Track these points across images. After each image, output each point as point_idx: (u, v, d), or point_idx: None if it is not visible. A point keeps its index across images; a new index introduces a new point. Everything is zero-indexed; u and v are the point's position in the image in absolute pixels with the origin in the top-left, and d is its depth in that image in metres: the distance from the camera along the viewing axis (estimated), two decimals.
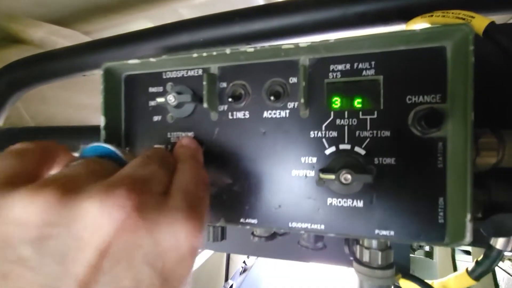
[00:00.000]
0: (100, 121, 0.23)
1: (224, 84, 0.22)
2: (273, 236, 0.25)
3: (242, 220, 0.21)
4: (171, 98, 0.21)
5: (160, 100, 0.21)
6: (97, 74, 0.65)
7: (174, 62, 0.22)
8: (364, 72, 0.19)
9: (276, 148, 0.20)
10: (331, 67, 0.19)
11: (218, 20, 0.27)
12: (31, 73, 0.45)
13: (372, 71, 0.19)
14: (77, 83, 0.61)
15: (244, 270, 2.11)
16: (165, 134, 0.23)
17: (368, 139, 0.19)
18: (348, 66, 0.19)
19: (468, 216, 0.16)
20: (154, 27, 0.36)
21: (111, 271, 0.12)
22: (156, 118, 0.23)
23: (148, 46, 0.31)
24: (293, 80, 0.20)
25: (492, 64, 0.21)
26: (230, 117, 0.22)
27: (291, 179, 0.20)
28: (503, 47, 0.18)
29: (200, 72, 0.22)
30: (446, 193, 0.17)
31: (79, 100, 0.63)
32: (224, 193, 0.22)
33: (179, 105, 0.21)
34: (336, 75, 0.19)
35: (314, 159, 0.20)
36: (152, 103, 0.23)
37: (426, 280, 0.25)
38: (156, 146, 0.21)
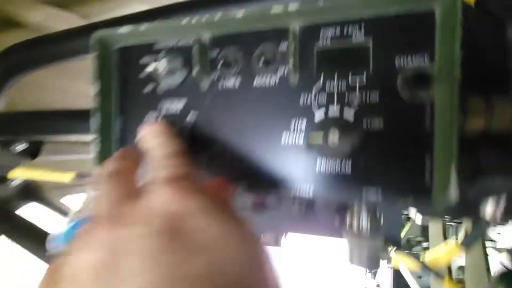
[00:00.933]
0: (91, 90, 0.23)
1: (215, 52, 0.22)
2: (259, 208, 0.25)
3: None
4: (161, 66, 0.21)
5: (151, 67, 0.21)
6: None
7: (164, 30, 0.22)
8: (353, 37, 0.19)
9: (266, 115, 0.20)
10: (321, 32, 0.19)
11: (214, 1, 0.27)
12: (30, 56, 0.45)
13: (361, 36, 0.19)
14: (76, 70, 0.61)
15: None
16: (156, 105, 0.23)
17: (357, 103, 0.19)
18: (338, 31, 0.19)
19: (453, 173, 0.16)
20: (151, 9, 0.36)
21: None
22: (147, 89, 0.23)
23: None
24: (283, 46, 0.20)
25: (481, 35, 0.21)
26: (220, 85, 0.22)
27: (281, 145, 0.20)
28: (493, 14, 0.18)
29: (191, 41, 0.22)
30: (433, 154, 0.17)
31: (77, 88, 0.64)
32: (215, 160, 0.22)
33: (169, 73, 0.21)
34: (326, 41, 0.19)
35: (304, 124, 0.20)
36: (143, 74, 0.23)
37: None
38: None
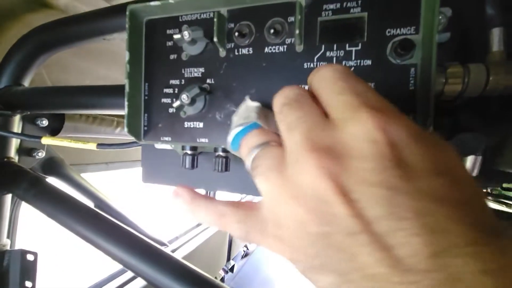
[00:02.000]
0: (125, 56, 0.27)
1: (232, 25, 0.25)
2: None
3: None
4: (186, 34, 0.24)
5: (177, 36, 0.25)
6: (116, 44, 0.69)
7: (190, 5, 0.25)
8: (351, 10, 0.22)
9: (275, 79, 0.24)
10: (324, 6, 0.23)
11: None
12: (57, 36, 0.50)
13: (358, 9, 0.22)
14: (98, 54, 0.65)
15: (246, 255, 2.17)
16: (180, 70, 0.27)
17: (352, 68, 0.22)
18: (338, 5, 0.22)
19: (430, 127, 0.19)
20: None
21: None
22: (172, 56, 0.27)
23: None
24: (291, 19, 0.23)
25: (464, 11, 0.24)
26: (236, 53, 0.25)
27: None
28: None
29: (212, 14, 0.25)
30: (416, 110, 0.21)
31: (98, 71, 0.68)
32: (229, 119, 0.25)
33: (192, 41, 0.25)
34: (328, 14, 0.23)
35: (307, 87, 0.23)
36: (169, 43, 0.27)
37: None
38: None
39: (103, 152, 0.81)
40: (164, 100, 0.27)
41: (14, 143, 0.56)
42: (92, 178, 0.81)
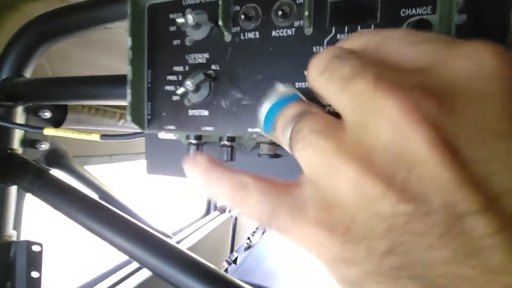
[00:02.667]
0: (128, 42, 0.26)
1: (238, 8, 0.24)
2: (278, 155, 0.28)
3: (249, 129, 0.24)
4: (190, 18, 0.23)
5: (180, 20, 0.24)
6: (117, 33, 0.68)
7: None
8: None
9: (282, 64, 0.23)
10: None
11: None
12: (57, 26, 0.49)
13: None
14: (99, 44, 0.65)
15: (249, 247, 2.19)
16: (184, 56, 0.26)
17: None
18: None
19: None
20: None
21: None
22: (175, 42, 0.26)
23: None
24: (300, 0, 0.22)
25: None
26: (242, 37, 0.24)
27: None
28: None
29: None
30: None
31: (100, 62, 0.67)
32: (235, 107, 0.24)
33: (196, 26, 0.24)
34: None
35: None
36: (172, 28, 0.26)
37: None
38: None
39: (106, 144, 0.81)
40: (168, 88, 0.27)
41: (18, 134, 0.56)
42: (96, 171, 0.81)
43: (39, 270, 0.58)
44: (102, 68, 0.69)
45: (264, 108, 0.16)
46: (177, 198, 1.83)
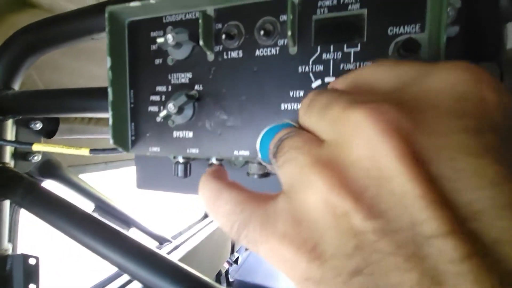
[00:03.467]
0: (107, 62, 0.25)
1: (220, 25, 0.23)
2: (267, 174, 0.27)
3: (235, 152, 0.23)
4: (170, 38, 0.22)
5: (160, 40, 0.23)
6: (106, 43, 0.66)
7: (173, 5, 0.23)
8: (350, 7, 0.20)
9: (267, 84, 0.22)
10: (319, 3, 0.20)
11: None
12: (43, 37, 0.47)
13: (357, 5, 0.20)
14: (90, 53, 0.63)
15: None
16: (166, 76, 0.25)
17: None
18: (335, 1, 0.20)
19: None
20: None
21: None
22: (157, 61, 0.25)
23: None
24: (283, 18, 0.21)
25: (476, 6, 0.22)
26: (225, 56, 0.23)
27: (280, 113, 0.22)
28: None
29: (197, 14, 0.23)
30: None
31: (91, 71, 0.66)
32: (220, 128, 0.24)
33: (177, 45, 0.23)
34: (323, 11, 0.20)
35: (302, 93, 0.21)
36: (153, 46, 0.25)
37: None
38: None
39: None
40: (151, 108, 0.26)
41: (9, 148, 0.55)
42: (94, 177, 0.80)
43: (37, 283, 0.58)
44: (94, 76, 0.68)
45: (258, 140, 0.17)
46: (177, 199, 1.82)
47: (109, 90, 0.25)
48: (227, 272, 1.57)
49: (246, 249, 2.00)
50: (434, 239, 0.08)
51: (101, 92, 0.44)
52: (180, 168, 0.28)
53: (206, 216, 1.39)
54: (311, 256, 0.10)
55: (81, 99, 0.46)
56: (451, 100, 0.09)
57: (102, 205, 0.80)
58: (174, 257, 1.02)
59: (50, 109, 0.49)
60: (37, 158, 0.60)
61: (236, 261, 1.64)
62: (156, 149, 0.26)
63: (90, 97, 0.45)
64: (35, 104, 0.49)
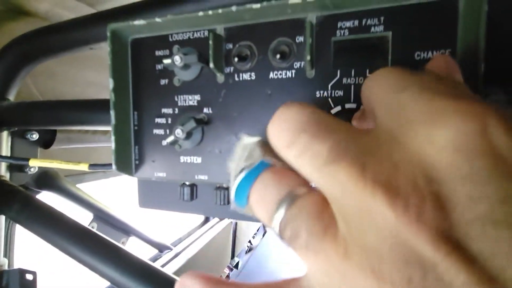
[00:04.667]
0: (109, 84, 0.23)
1: (230, 45, 0.21)
2: None
3: None
4: (178, 59, 0.21)
5: (167, 61, 0.21)
6: (104, 49, 0.65)
7: (180, 23, 0.22)
8: (372, 29, 0.18)
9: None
10: (339, 24, 0.19)
11: None
12: (39, 46, 0.46)
13: (381, 28, 0.18)
14: (85, 60, 0.61)
15: (250, 250, 2.18)
16: (173, 98, 0.23)
17: None
18: (356, 22, 0.19)
19: None
20: None
21: None
22: (163, 81, 0.24)
23: (152, 16, 0.31)
24: (300, 39, 0.20)
25: (506, 22, 0.20)
26: (236, 79, 0.22)
27: None
28: None
29: (206, 33, 0.22)
30: None
31: (87, 77, 0.64)
32: (230, 154, 0.22)
33: (185, 67, 0.21)
34: (343, 33, 0.19)
35: None
36: (159, 66, 0.23)
37: None
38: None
39: (99, 161, 0.78)
40: (157, 131, 0.24)
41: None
42: (92, 185, 0.78)
43: None
44: (91, 84, 0.66)
45: (232, 190, 0.14)
46: None
47: (112, 113, 0.23)
48: (227, 277, 1.55)
49: (247, 252, 1.99)
50: None
51: (99, 105, 0.42)
52: (186, 191, 0.26)
53: (206, 221, 1.38)
54: None
55: (79, 112, 0.44)
56: (459, 161, 0.08)
57: (101, 215, 0.78)
58: (175, 265, 1.01)
59: (47, 121, 0.47)
60: (33, 170, 0.58)
61: (236, 266, 1.63)
62: (162, 174, 0.24)
63: (88, 109, 0.44)
64: (31, 116, 0.47)
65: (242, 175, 0.14)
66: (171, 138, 0.22)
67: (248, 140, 0.16)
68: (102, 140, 0.73)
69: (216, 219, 1.41)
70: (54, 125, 0.47)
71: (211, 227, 1.33)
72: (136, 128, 0.25)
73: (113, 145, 0.24)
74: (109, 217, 0.81)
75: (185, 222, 1.36)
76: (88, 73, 0.65)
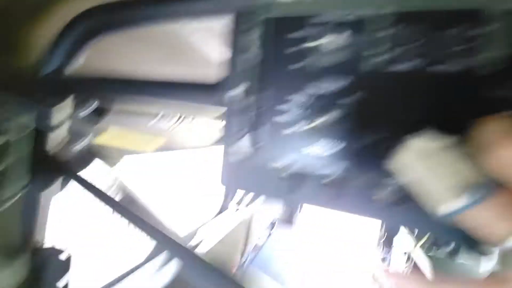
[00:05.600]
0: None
1: (392, 31, 0.20)
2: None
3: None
4: (326, 41, 0.19)
5: (314, 43, 0.19)
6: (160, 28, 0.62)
7: (330, 4, 0.20)
8: None
9: (446, 105, 0.19)
10: None
11: None
12: (108, 20, 0.44)
13: None
14: (140, 37, 0.60)
15: (256, 247, 2.15)
16: (306, 82, 0.22)
17: None
18: None
19: None
20: None
21: None
22: (297, 65, 0.22)
23: None
24: (477, 31, 0.18)
25: None
26: (391, 66, 0.20)
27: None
28: None
29: (366, 16, 0.20)
30: None
31: (139, 55, 0.62)
32: (378, 146, 0.20)
33: (333, 49, 0.20)
34: None
35: None
36: (296, 48, 0.22)
37: None
38: None
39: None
40: (278, 119, 0.23)
41: (61, 136, 0.52)
42: None
43: (66, 279, 0.55)
44: (141, 61, 0.65)
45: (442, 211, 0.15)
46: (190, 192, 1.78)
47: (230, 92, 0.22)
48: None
49: (253, 250, 1.97)
50: None
51: (175, 85, 0.39)
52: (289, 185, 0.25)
53: (221, 211, 1.35)
54: None
55: (147, 90, 0.41)
56: None
57: (127, 198, 0.77)
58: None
59: (109, 94, 0.45)
60: (78, 147, 0.57)
61: (243, 265, 1.61)
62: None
63: (160, 88, 0.40)
64: (93, 88, 0.46)
65: (464, 200, 0.14)
66: (306, 126, 0.20)
67: (425, 144, 0.16)
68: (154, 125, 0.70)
69: (232, 211, 1.38)
70: (116, 100, 0.46)
71: (227, 219, 1.31)
72: (256, 112, 0.23)
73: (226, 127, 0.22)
74: (133, 202, 0.80)
75: (199, 211, 1.34)
76: (142, 51, 0.63)
